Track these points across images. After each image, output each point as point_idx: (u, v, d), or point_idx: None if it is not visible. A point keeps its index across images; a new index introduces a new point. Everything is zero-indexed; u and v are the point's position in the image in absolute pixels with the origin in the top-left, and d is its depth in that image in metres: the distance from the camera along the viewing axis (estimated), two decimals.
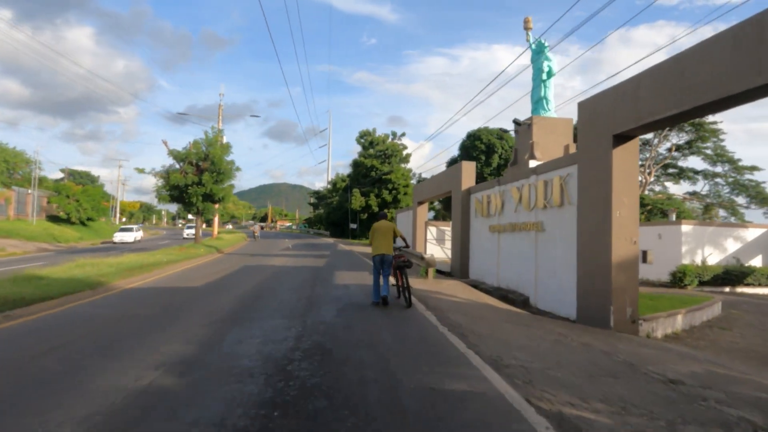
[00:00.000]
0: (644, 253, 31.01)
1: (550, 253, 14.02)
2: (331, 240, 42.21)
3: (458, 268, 21.29)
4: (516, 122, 16.08)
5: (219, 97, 38.80)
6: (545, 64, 16.29)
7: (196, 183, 27.65)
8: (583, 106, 12.02)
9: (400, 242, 11.90)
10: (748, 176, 47.68)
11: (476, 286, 18.70)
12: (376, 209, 44.55)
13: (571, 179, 12.84)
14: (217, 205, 31.33)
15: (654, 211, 44.82)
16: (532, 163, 15.39)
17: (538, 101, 16.59)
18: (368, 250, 31.77)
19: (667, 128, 48.87)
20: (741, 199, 48.71)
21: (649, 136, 50.64)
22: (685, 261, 27.51)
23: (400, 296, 10.64)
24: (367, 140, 47.15)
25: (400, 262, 10.38)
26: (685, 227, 28.19)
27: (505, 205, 17.42)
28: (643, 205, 44.07)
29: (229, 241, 36.07)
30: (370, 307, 9.90)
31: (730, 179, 48.73)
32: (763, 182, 46.52)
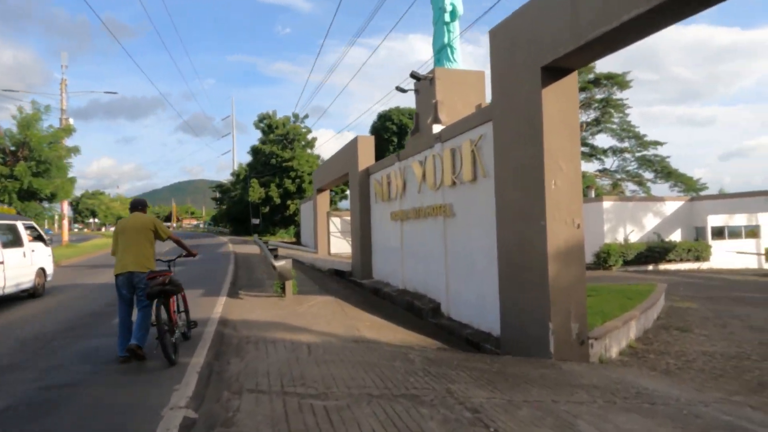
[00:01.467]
0: None
1: (464, 245, 10.45)
2: (225, 239, 36.86)
3: (359, 268, 17.42)
4: (414, 76, 12.42)
5: (62, 70, 30.70)
6: (447, 1, 12.69)
7: (6, 176, 21.11)
8: (496, 34, 8.41)
9: (170, 250, 7.01)
10: (653, 151, 48.30)
11: (378, 291, 14.93)
12: (278, 201, 39.45)
13: (486, 143, 9.27)
14: (47, 204, 24.80)
15: None
16: (436, 128, 11.77)
17: (441, 50, 12.98)
18: (289, 252, 27.04)
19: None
20: (648, 174, 49.39)
21: None
22: (608, 240, 25.68)
23: (175, 341, 5.94)
24: (267, 124, 41.83)
25: (156, 288, 5.69)
26: (606, 204, 26.37)
27: (408, 185, 13.71)
28: None
29: (82, 250, 28.44)
30: (108, 370, 5.62)
31: (637, 154, 49.17)
32: (668, 157, 47.24)
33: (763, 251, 26.57)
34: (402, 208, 14.00)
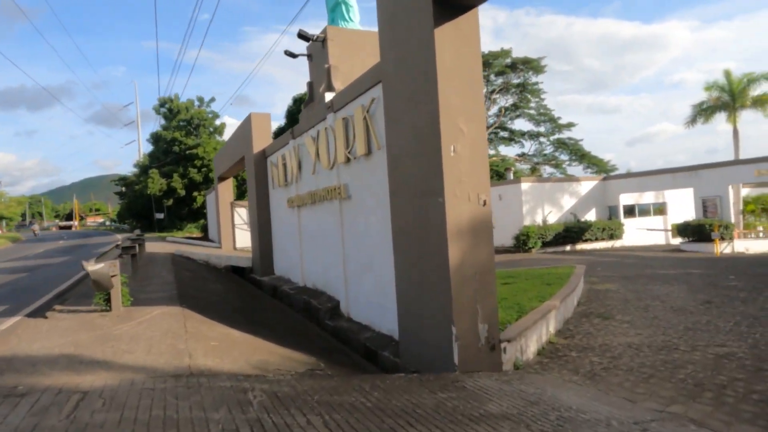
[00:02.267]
0: None
1: (361, 232, 8.82)
2: (120, 237, 32.88)
3: (259, 264, 15.38)
4: (302, 36, 10.51)
5: None
6: None
7: None
8: None
9: None
10: (567, 134, 49.64)
11: (276, 288, 13.02)
12: (182, 193, 35.61)
13: (379, 107, 7.64)
14: None
15: (491, 174, 43.94)
16: (329, 97, 10.00)
17: (335, 7, 11.16)
18: (182, 248, 24.03)
19: (495, 92, 48.59)
20: (563, 157, 50.79)
21: None
22: (527, 222, 25.31)
23: None
24: (168, 108, 37.69)
25: None
26: (525, 185, 25.97)
27: (303, 165, 11.86)
28: None
29: None
30: None
31: (552, 137, 50.38)
32: (581, 139, 48.71)
33: (669, 228, 27.45)
34: (298, 193, 12.15)
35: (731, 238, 21.42)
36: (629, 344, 7.23)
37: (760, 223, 25.57)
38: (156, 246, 21.43)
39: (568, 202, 26.95)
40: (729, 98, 25.59)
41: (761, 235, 24.40)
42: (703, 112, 26.72)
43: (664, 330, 7.94)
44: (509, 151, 53.03)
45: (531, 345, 6.74)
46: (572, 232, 24.92)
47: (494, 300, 5.88)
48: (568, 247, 24.96)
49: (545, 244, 24.45)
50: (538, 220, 25.76)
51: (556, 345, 7.38)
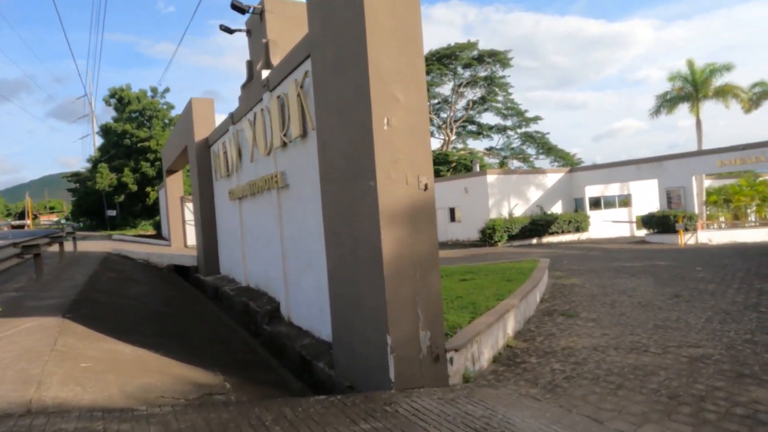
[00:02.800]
0: (452, 211, 27.87)
1: (300, 224, 7.80)
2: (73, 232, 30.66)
3: (204, 262, 14.18)
4: (236, 7, 9.36)
5: None
6: None
7: None
8: None
9: None
10: (534, 128, 49.62)
11: (218, 289, 11.89)
12: (134, 188, 33.48)
13: (312, 81, 6.61)
14: None
15: (459, 167, 43.41)
16: (266, 74, 8.92)
17: None
18: (123, 246, 22.32)
19: (463, 85, 48.12)
20: (531, 150, 50.77)
21: (447, 92, 49.52)
22: (493, 215, 24.70)
23: None
24: (118, 98, 35.33)
25: None
26: (491, 177, 25.33)
27: (243, 153, 10.75)
28: (447, 162, 42.22)
29: None
30: None
31: (520, 131, 50.29)
32: (548, 133, 48.74)
33: (634, 219, 27.32)
34: (239, 184, 11.03)
35: (695, 229, 21.26)
36: (595, 347, 6.45)
37: (722, 213, 25.66)
38: (96, 245, 19.86)
39: (534, 195, 26.48)
40: (692, 88, 25.52)
41: (723, 225, 24.45)
42: (667, 102, 26.61)
43: (632, 329, 7.21)
44: (477, 145, 52.78)
45: (485, 351, 5.87)
46: (539, 225, 24.44)
47: (439, 301, 4.97)
48: (534, 240, 24.48)
49: (511, 238, 23.88)
50: (505, 213, 25.19)
51: (514, 349, 6.54)
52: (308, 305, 7.65)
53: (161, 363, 4.59)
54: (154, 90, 37.05)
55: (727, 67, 25.21)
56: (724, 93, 25.29)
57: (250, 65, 10.40)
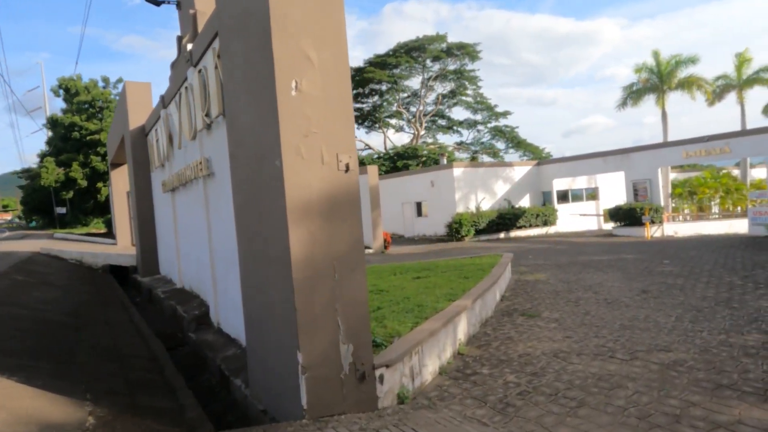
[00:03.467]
0: (419, 206, 27.11)
1: (225, 219, 6.80)
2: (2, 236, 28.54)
3: (142, 261, 12.99)
4: None
5: None
6: None
7: None
8: None
9: None
10: (504, 122, 49.44)
11: (152, 291, 10.78)
12: (83, 183, 31.44)
13: (219, 45, 5.62)
14: None
15: (428, 162, 42.80)
16: (190, 48, 7.87)
17: None
18: (57, 245, 20.76)
19: (432, 78, 47.50)
20: (500, 145, 50.57)
21: (417, 86, 48.89)
22: (460, 209, 24.04)
23: None
24: (65, 88, 32.97)
25: None
26: (457, 171, 24.65)
27: (174, 139, 9.65)
28: (417, 156, 41.48)
29: None
30: None
31: (490, 125, 50.03)
32: (517, 127, 48.60)
33: (601, 212, 27.12)
34: (171, 174, 9.92)
35: (661, 222, 21.04)
36: (556, 352, 5.68)
37: (687, 206, 25.65)
38: (28, 244, 18.31)
39: (501, 189, 25.95)
40: (658, 80, 25.38)
41: (688, 218, 24.40)
42: (633, 94, 26.44)
43: (598, 330, 6.49)
44: (447, 139, 52.19)
45: (428, 363, 5.01)
46: (506, 218, 23.89)
47: (364, 308, 4.08)
48: (502, 235, 23.92)
49: (479, 232, 23.26)
50: (472, 207, 24.56)
51: (465, 358, 5.72)
52: (235, 309, 6.67)
53: (5, 393, 3.59)
54: (105, 80, 34.98)
55: (692, 60, 25.15)
56: (689, 84, 25.22)
57: (180, 41, 9.30)
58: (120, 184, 19.91)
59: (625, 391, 4.44)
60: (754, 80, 26.43)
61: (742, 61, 26.26)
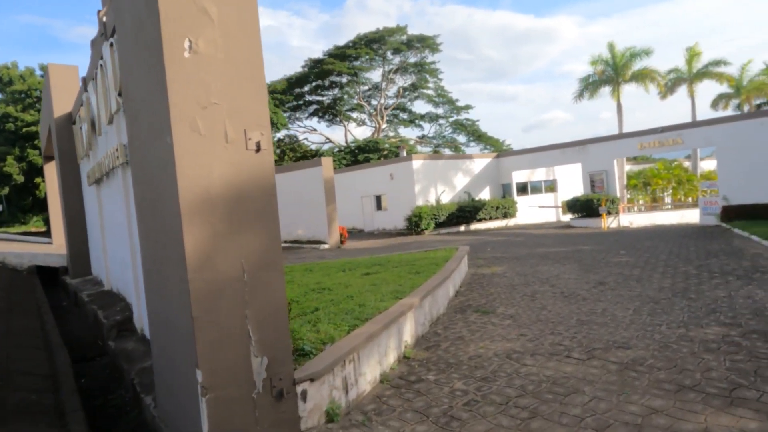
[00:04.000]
0: (378, 199, 26.57)
1: None
2: None
3: (72, 261, 11.93)
4: None
5: None
6: None
7: None
8: None
9: None
10: (465, 116, 49.48)
11: (77, 294, 9.80)
12: (20, 179, 29.30)
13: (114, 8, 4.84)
14: None
15: (389, 155, 42.30)
16: (106, 20, 7.01)
17: None
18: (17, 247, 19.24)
19: (393, 71, 46.95)
20: (462, 138, 50.63)
21: (377, 78, 48.25)
22: (420, 202, 23.64)
23: None
24: None
25: None
26: (416, 163, 24.24)
27: (95, 124, 8.70)
28: (378, 149, 40.88)
29: None
30: None
31: (451, 119, 49.99)
32: (478, 120, 48.74)
33: (560, 204, 27.32)
34: (95, 164, 8.97)
35: (617, 213, 21.24)
36: (509, 353, 5.22)
37: (642, 196, 26.11)
38: None
39: (461, 181, 25.71)
40: (613, 72, 25.67)
41: (643, 208, 24.83)
42: (590, 86, 26.68)
43: (554, 326, 6.09)
44: (409, 133, 51.89)
45: (366, 371, 4.44)
46: (466, 211, 23.66)
47: (283, 313, 3.46)
48: (462, 228, 23.68)
49: (439, 225, 22.94)
50: (432, 200, 24.22)
51: (411, 362, 5.18)
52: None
53: None
54: (43, 68, 32.76)
55: (646, 52, 25.54)
56: (642, 77, 25.60)
57: (99, 14, 8.33)
58: (54, 178, 18.46)
59: (582, 396, 4.00)
60: (704, 74, 27.14)
61: (692, 54, 26.90)
